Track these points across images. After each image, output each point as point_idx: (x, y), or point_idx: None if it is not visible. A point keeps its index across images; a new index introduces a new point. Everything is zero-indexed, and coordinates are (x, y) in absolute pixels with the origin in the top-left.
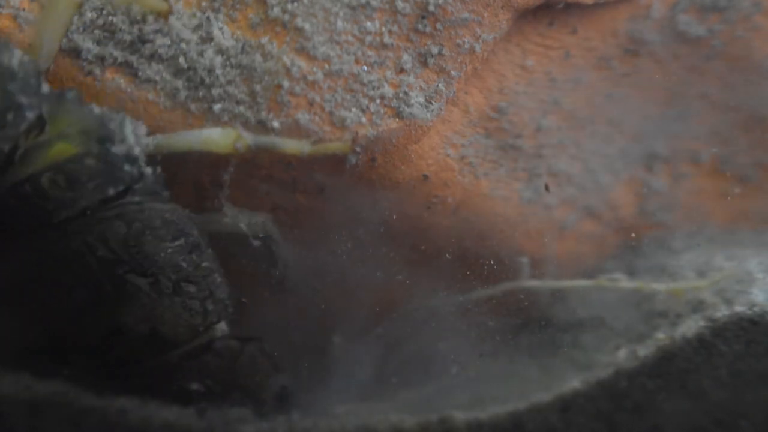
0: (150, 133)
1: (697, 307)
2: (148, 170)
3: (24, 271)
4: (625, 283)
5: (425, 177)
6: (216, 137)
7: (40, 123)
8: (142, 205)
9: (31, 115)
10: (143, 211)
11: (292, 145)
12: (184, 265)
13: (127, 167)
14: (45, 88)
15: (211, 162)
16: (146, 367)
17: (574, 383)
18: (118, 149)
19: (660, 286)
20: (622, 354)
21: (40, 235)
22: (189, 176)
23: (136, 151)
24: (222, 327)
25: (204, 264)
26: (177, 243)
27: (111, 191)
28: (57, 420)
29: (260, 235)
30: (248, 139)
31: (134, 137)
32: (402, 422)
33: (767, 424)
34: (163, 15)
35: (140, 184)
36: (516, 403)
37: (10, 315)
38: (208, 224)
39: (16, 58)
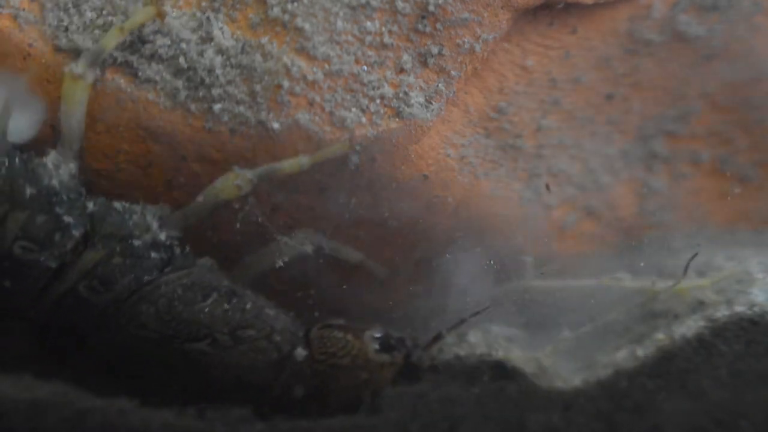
0: (172, 210)
1: (697, 307)
2: (177, 251)
3: (111, 355)
4: (628, 282)
5: (425, 177)
6: (218, 185)
7: (86, 239)
8: (158, 281)
9: (77, 234)
10: (159, 286)
11: (290, 165)
12: (230, 314)
13: (154, 254)
14: (90, 205)
15: (230, 209)
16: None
17: (574, 383)
18: (142, 240)
19: (663, 286)
20: (622, 354)
21: (100, 333)
22: (218, 230)
23: (162, 236)
24: (300, 352)
25: (248, 306)
26: (210, 299)
27: (146, 279)
28: (57, 420)
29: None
30: (247, 174)
31: (157, 223)
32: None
33: (767, 424)
34: (159, 17)
35: (170, 266)
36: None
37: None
38: (260, 263)
39: (56, 178)
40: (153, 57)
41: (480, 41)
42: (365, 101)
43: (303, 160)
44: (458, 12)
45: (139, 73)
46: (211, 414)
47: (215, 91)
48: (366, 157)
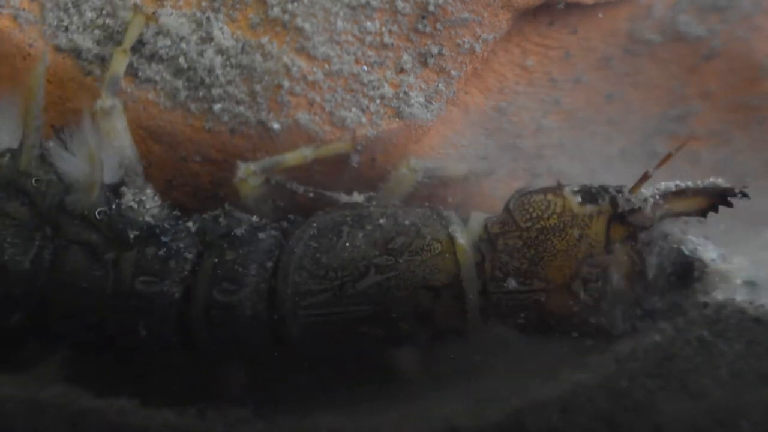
0: None
1: (697, 306)
2: (284, 223)
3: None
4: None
5: None
6: (236, 188)
7: (200, 258)
8: (287, 249)
9: (190, 255)
10: (293, 252)
11: (294, 157)
12: (370, 235)
13: (261, 234)
14: (192, 226)
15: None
16: None
17: (574, 382)
18: (243, 229)
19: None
20: (622, 354)
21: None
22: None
23: (255, 219)
24: (455, 232)
25: (379, 220)
26: (343, 233)
27: (269, 261)
28: (57, 420)
29: None
30: (251, 167)
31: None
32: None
33: (767, 424)
34: (152, 21)
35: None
36: (517, 402)
37: None
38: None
39: (147, 213)
40: (153, 57)
41: (480, 41)
42: (365, 101)
43: (307, 152)
44: (458, 12)
45: (139, 73)
46: (211, 414)
47: (215, 91)
48: (366, 157)
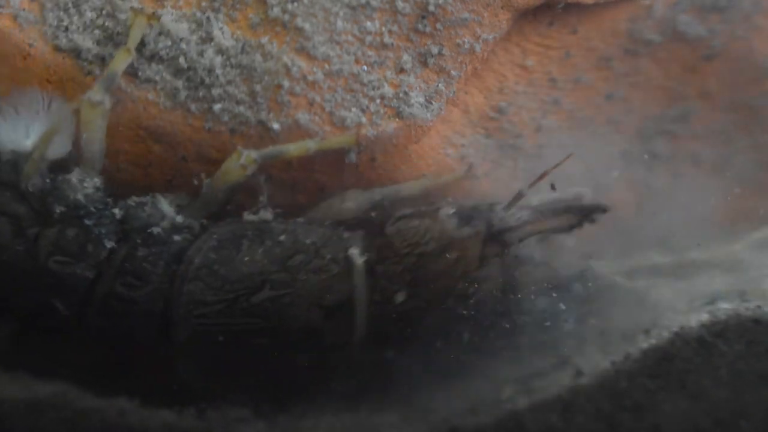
0: (190, 199)
1: (698, 306)
2: (197, 228)
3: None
4: (627, 282)
5: (425, 177)
6: (224, 168)
7: (119, 245)
8: (188, 256)
9: (110, 242)
10: (192, 261)
11: (297, 147)
12: (270, 251)
13: (177, 237)
14: (117, 213)
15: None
16: None
17: (574, 382)
18: (161, 227)
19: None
20: (621, 354)
21: (170, 335)
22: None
23: (179, 219)
24: (354, 252)
25: (281, 237)
26: (244, 247)
27: (177, 262)
28: (57, 420)
29: None
30: (252, 154)
31: (174, 209)
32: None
33: (767, 424)
34: (154, 20)
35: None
36: (517, 402)
37: None
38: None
39: (81, 192)
40: (153, 57)
41: (480, 41)
42: (365, 101)
43: (310, 144)
44: (458, 12)
45: (139, 73)
46: (211, 414)
47: (215, 91)
48: (366, 157)
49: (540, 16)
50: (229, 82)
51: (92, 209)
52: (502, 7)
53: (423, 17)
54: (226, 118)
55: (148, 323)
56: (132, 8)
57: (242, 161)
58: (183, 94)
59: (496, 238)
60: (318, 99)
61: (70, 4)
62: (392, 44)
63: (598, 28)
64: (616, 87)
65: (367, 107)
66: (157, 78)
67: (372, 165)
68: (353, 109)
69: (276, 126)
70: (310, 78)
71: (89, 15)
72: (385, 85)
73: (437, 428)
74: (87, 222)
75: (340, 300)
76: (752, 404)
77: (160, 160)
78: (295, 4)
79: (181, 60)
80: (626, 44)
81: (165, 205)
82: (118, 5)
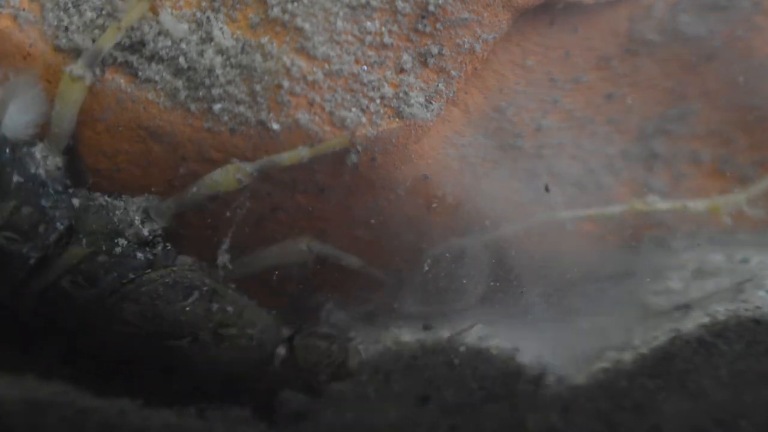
0: (161, 198)
1: (698, 306)
2: (159, 249)
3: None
4: (628, 281)
5: (425, 177)
6: (217, 178)
7: (69, 233)
8: (140, 279)
9: (61, 227)
10: (141, 285)
11: (290, 156)
12: (211, 313)
13: (140, 254)
14: (75, 201)
15: (223, 203)
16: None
17: (574, 382)
18: (127, 238)
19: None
20: (622, 353)
21: (85, 329)
22: (202, 224)
23: (145, 231)
24: (280, 351)
25: (229, 307)
26: (191, 298)
27: (131, 276)
28: (57, 420)
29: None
30: (247, 167)
31: (140, 218)
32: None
33: (767, 425)
34: (153, 12)
35: (153, 264)
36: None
37: None
38: (255, 263)
39: (42, 167)
40: (153, 57)
41: (480, 41)
42: (365, 101)
43: (303, 152)
44: (458, 12)
45: (139, 73)
46: (211, 414)
47: (215, 91)
48: (366, 157)
49: (540, 16)
50: (229, 82)
51: (51, 190)
52: (502, 7)
53: (423, 17)
54: (226, 118)
55: (75, 319)
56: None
57: (238, 175)
58: (183, 94)
59: None
60: (318, 99)
61: (70, 4)
62: (392, 44)
63: (598, 28)
64: (616, 87)
65: (367, 107)
66: (157, 78)
67: (372, 165)
68: (353, 109)
69: (276, 126)
70: (310, 78)
71: (89, 15)
72: (385, 85)
73: None
74: (43, 203)
75: (243, 379)
76: (752, 404)
77: (160, 160)
78: (295, 4)
79: (181, 60)
80: (626, 44)
81: (133, 212)
82: (118, 5)
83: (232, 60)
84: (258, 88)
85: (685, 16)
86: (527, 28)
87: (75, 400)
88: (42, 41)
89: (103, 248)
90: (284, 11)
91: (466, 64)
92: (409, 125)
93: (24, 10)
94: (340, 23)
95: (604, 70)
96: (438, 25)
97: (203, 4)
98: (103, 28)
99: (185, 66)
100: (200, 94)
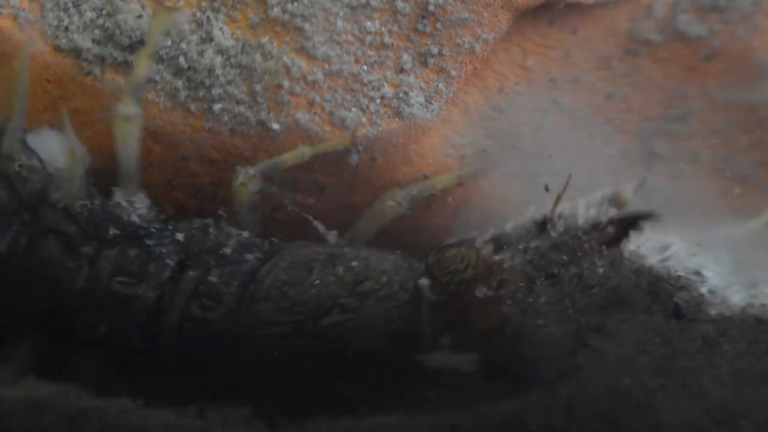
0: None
1: (698, 306)
2: (266, 244)
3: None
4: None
5: (425, 177)
6: (231, 190)
7: (181, 265)
8: (258, 277)
9: (171, 262)
10: (263, 281)
11: (292, 156)
12: (341, 276)
13: (248, 255)
14: (178, 234)
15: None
16: None
17: (574, 381)
18: (230, 246)
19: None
20: (623, 353)
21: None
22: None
23: (245, 235)
24: (424, 282)
25: (354, 262)
26: (315, 271)
27: (249, 279)
28: (57, 420)
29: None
30: (250, 171)
31: (235, 228)
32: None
33: None
34: (171, 14)
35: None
36: (517, 401)
37: None
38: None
39: (134, 213)
40: (153, 57)
41: (480, 41)
42: (365, 101)
43: (304, 150)
44: (458, 12)
45: None
46: (210, 414)
47: (215, 91)
48: (366, 157)
49: (540, 16)
50: (229, 82)
51: (152, 230)
52: (502, 7)
53: (423, 17)
54: (226, 118)
55: (218, 342)
56: (151, 6)
57: (241, 179)
58: (183, 94)
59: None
60: (318, 99)
61: (70, 4)
62: (392, 44)
63: (598, 28)
64: (616, 87)
65: (367, 107)
66: (157, 78)
67: (372, 165)
68: (353, 109)
69: (276, 126)
70: (310, 78)
71: (89, 15)
72: (385, 85)
73: None
74: (147, 242)
75: (405, 328)
76: (753, 403)
77: (160, 160)
78: (295, 4)
79: (181, 60)
80: (626, 44)
81: (226, 224)
82: (118, 5)
83: (232, 60)
84: (258, 88)
85: (685, 16)
86: (527, 28)
87: (75, 400)
88: (42, 41)
89: (213, 263)
90: (284, 11)
91: (466, 64)
92: (409, 125)
93: (24, 10)
94: (340, 23)
95: (604, 70)
96: (438, 25)
97: (203, 4)
98: (103, 28)
99: (185, 66)
100: (200, 94)
